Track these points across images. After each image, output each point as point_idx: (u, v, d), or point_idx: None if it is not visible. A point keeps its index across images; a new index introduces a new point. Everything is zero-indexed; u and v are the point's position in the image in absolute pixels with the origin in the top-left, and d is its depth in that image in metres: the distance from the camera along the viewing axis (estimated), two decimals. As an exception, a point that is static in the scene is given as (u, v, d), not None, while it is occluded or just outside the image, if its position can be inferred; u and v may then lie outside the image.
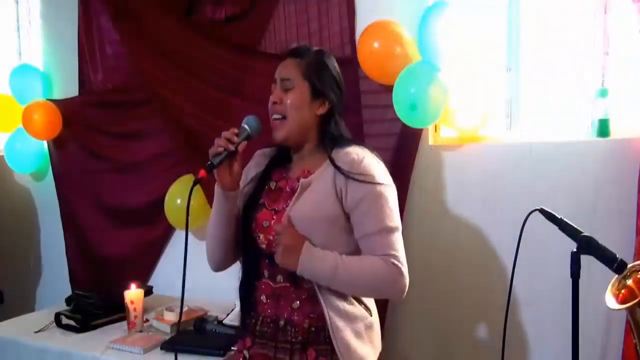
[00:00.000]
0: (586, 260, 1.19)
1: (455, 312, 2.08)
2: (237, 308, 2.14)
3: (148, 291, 2.27)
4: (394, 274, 1.26)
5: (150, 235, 2.64)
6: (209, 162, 1.25)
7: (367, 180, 1.26)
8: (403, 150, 2.05)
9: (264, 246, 1.35)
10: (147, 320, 2.11)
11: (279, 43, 2.31)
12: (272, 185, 1.40)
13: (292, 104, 1.32)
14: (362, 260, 1.29)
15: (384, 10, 2.06)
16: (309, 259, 1.25)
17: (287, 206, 1.32)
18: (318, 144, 1.37)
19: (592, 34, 1.92)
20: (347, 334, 1.29)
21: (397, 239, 1.29)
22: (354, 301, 1.32)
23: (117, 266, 2.71)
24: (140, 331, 2.02)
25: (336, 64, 1.40)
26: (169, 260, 2.67)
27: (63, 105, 2.83)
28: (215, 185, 1.34)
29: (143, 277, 2.65)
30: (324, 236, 1.29)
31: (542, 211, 1.23)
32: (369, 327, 1.34)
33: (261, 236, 1.35)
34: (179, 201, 2.40)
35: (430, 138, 2.11)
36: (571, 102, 1.99)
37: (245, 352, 1.40)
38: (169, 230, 2.61)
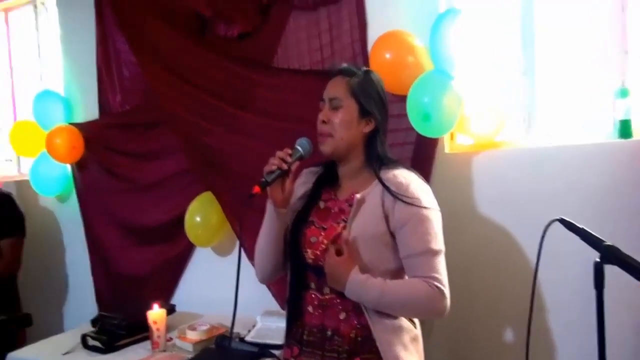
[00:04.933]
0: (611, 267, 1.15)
1: (475, 319, 2.04)
2: (259, 324, 2.15)
3: (170, 310, 2.28)
4: (437, 297, 1.30)
5: (171, 253, 2.67)
6: (263, 179, 1.32)
7: (414, 203, 1.30)
8: (419, 159, 2.02)
9: (310, 260, 1.40)
10: (170, 339, 2.12)
11: (291, 57, 2.32)
12: (322, 204, 1.46)
13: (341, 123, 1.37)
14: (405, 285, 1.34)
15: (395, 20, 2.05)
16: (355, 289, 1.30)
17: (335, 224, 1.39)
18: (364, 162, 1.42)
19: (610, 32, 1.87)
20: (396, 347, 1.33)
21: (441, 261, 1.33)
22: None
23: (140, 284, 2.74)
24: (164, 350, 2.03)
25: (382, 83, 1.44)
26: (190, 277, 2.69)
27: (84, 128, 2.88)
28: (267, 202, 1.41)
29: (166, 295, 2.69)
30: (372, 253, 1.34)
31: (562, 221, 1.19)
32: (414, 339, 1.39)
33: (309, 251, 1.41)
34: (198, 218, 2.42)
35: (447, 146, 2.08)
36: (591, 103, 1.94)
37: None
38: (189, 248, 2.63)
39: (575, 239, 1.21)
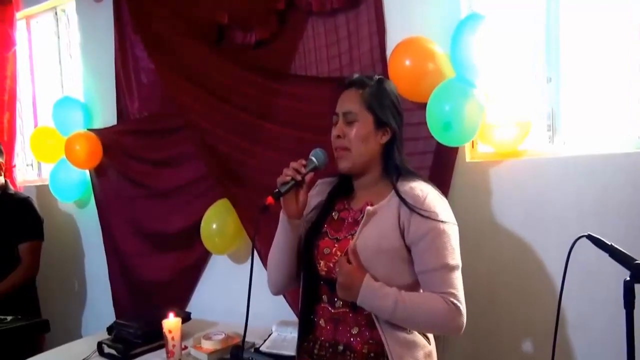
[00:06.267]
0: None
1: (495, 335, 1.98)
2: (274, 334, 2.13)
3: (186, 318, 2.27)
4: (453, 313, 1.27)
5: (187, 260, 2.66)
6: (277, 190, 1.29)
7: (431, 217, 1.27)
8: (439, 167, 1.98)
9: (323, 273, 1.38)
10: (185, 347, 2.11)
11: (309, 64, 2.30)
12: (335, 215, 1.43)
13: (357, 137, 1.33)
14: (421, 298, 1.31)
15: (414, 27, 2.01)
16: (369, 298, 1.27)
17: (348, 235, 1.35)
18: (382, 173, 1.39)
19: (638, 37, 1.81)
20: None
21: (457, 277, 1.30)
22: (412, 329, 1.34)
23: (156, 290, 2.74)
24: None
25: (394, 88, 1.41)
26: (206, 284, 2.68)
27: (102, 134, 2.90)
28: (281, 213, 1.38)
29: (182, 301, 2.69)
30: (387, 267, 1.31)
31: (589, 237, 1.15)
32: (427, 355, 1.35)
33: (322, 263, 1.38)
34: (214, 226, 2.41)
35: (468, 154, 2.03)
36: (618, 111, 1.87)
37: None
38: (205, 255, 2.62)
39: (604, 254, 1.17)
